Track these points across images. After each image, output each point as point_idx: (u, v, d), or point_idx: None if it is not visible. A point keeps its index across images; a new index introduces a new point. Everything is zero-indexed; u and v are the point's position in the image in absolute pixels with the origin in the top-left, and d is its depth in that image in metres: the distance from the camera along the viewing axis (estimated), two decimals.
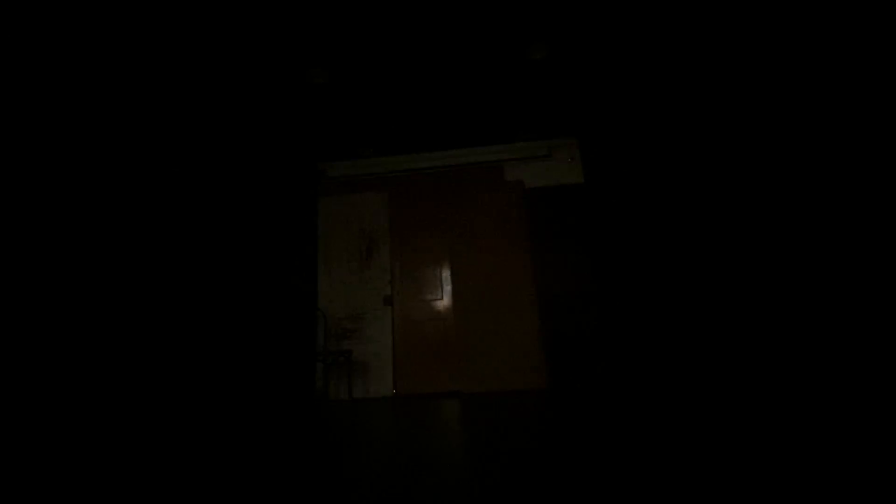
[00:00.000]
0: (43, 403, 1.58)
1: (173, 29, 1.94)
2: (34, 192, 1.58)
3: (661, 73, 2.19)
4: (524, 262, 2.73)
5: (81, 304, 1.70)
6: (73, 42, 1.73)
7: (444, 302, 2.80)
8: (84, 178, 1.73)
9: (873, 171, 1.76)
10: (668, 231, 2.19)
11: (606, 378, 2.23)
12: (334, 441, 1.56)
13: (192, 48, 2.03)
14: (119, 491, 1.10)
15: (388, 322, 2.80)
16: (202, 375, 2.07)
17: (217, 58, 2.10)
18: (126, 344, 1.81)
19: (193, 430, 1.94)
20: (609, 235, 2.41)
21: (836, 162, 1.74)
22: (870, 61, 1.69)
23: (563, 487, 0.88)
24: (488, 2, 1.95)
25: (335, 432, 1.75)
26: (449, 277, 2.84)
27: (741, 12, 1.92)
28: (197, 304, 2.11)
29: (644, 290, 2.22)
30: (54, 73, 1.65)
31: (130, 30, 1.89)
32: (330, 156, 3.03)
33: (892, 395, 1.63)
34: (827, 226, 1.77)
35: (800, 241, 1.85)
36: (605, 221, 2.44)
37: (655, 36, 2.08)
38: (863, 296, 1.66)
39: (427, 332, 2.77)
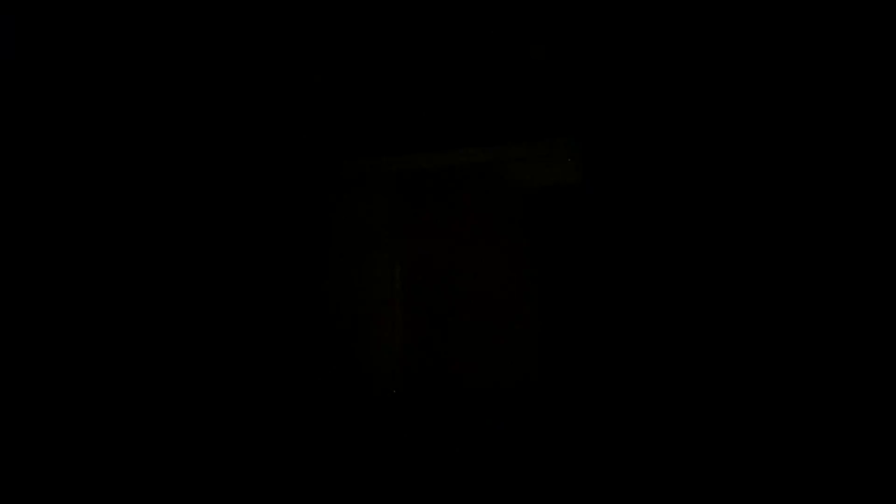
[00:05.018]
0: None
1: (181, 29, 1.94)
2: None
3: (662, 73, 2.20)
4: (525, 262, 2.74)
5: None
6: (77, 46, 1.73)
7: (445, 301, 2.81)
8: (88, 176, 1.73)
9: (874, 171, 1.76)
10: (670, 230, 2.19)
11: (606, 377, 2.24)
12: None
13: (200, 48, 2.03)
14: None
15: (388, 322, 2.81)
16: (205, 375, 2.06)
17: (224, 58, 2.10)
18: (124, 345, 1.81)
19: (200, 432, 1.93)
20: (610, 235, 2.41)
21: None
22: (870, 61, 1.70)
23: None
24: (488, 1, 1.96)
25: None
26: (449, 276, 2.84)
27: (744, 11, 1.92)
28: (203, 304, 2.11)
29: (645, 290, 2.22)
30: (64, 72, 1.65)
31: (135, 29, 1.89)
32: (327, 156, 3.03)
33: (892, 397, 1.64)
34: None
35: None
36: (605, 221, 2.44)
37: (656, 35, 2.08)
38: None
39: (428, 332, 2.78)
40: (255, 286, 2.37)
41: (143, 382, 1.87)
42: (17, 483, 1.55)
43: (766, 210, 1.95)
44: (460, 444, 2.23)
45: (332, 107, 2.54)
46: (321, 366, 2.63)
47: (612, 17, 2.04)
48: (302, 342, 2.58)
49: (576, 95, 2.45)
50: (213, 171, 2.26)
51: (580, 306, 2.49)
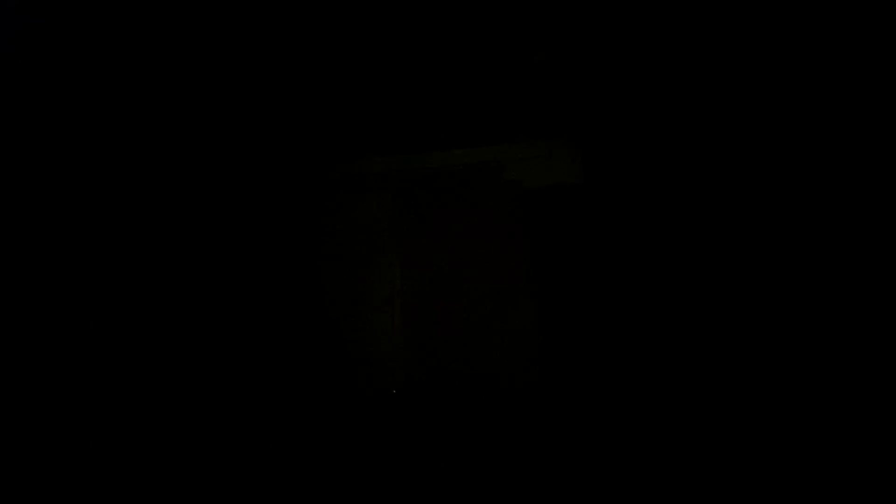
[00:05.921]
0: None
1: (174, 30, 1.94)
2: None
3: (661, 74, 2.20)
4: (524, 261, 2.73)
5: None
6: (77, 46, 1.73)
7: (445, 301, 2.80)
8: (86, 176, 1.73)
9: (874, 171, 1.76)
10: (671, 231, 2.20)
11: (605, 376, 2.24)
12: None
13: (197, 52, 2.03)
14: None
15: (388, 322, 2.81)
16: (204, 376, 2.07)
17: (222, 62, 2.10)
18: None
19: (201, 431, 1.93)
20: (610, 235, 2.41)
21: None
22: (870, 61, 1.70)
23: None
24: (489, 3, 1.96)
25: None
26: (449, 276, 2.84)
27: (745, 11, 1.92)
28: (202, 306, 2.11)
29: (645, 289, 2.23)
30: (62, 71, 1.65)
31: (131, 29, 1.89)
32: (328, 156, 3.02)
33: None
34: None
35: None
36: (605, 221, 2.44)
37: (657, 35, 2.08)
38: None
39: (428, 332, 2.77)
40: (253, 287, 2.37)
41: (140, 383, 1.87)
42: (16, 483, 1.55)
43: (762, 208, 1.95)
44: (460, 443, 2.23)
45: (333, 108, 2.54)
46: (321, 366, 2.64)
47: (612, 20, 2.04)
48: (302, 342, 2.58)
49: (576, 96, 2.45)
50: (211, 174, 2.26)
51: (580, 305, 2.49)
